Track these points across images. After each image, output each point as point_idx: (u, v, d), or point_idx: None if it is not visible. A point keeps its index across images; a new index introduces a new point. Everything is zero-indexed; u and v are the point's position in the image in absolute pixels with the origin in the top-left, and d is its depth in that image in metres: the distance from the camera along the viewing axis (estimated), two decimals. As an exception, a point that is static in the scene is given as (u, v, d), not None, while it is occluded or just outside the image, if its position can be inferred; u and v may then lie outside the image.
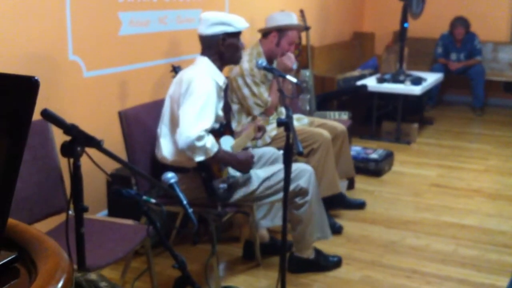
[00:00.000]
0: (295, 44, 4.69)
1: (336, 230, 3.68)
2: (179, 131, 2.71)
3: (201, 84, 2.76)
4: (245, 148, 3.35)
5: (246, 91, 3.53)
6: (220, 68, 2.95)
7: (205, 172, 2.80)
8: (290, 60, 3.59)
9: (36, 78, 0.81)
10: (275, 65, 3.65)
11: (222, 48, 2.89)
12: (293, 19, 3.67)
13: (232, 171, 2.90)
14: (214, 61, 2.91)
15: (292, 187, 2.83)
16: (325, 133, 3.71)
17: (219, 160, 2.80)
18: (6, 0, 2.82)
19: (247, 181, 2.96)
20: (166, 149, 2.85)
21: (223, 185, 2.83)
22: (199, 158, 2.72)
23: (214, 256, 2.93)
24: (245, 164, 2.88)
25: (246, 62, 3.53)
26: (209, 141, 2.72)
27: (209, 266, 3.05)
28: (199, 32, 2.93)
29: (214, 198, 2.84)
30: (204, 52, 2.93)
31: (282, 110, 3.43)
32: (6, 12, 2.83)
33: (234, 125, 3.49)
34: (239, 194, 2.94)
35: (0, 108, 0.83)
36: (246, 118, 3.60)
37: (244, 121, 3.58)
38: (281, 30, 3.61)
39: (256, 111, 3.57)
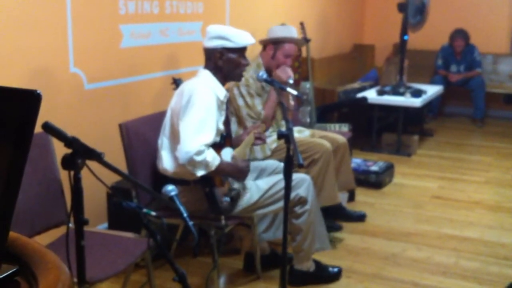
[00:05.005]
0: (295, 56, 4.68)
1: (335, 228, 3.71)
2: (179, 147, 2.70)
3: (201, 97, 2.76)
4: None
5: (240, 101, 3.53)
6: (222, 82, 2.92)
7: (208, 187, 2.79)
8: (285, 73, 3.51)
9: (38, 91, 0.81)
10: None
11: (220, 63, 2.86)
12: (291, 32, 3.65)
13: (234, 184, 2.89)
14: (215, 74, 2.90)
15: (291, 196, 2.82)
16: (326, 144, 3.71)
17: (221, 172, 2.80)
18: (8, 13, 2.84)
19: (249, 193, 2.96)
20: (166, 161, 2.85)
21: (225, 198, 2.83)
22: (200, 172, 2.71)
23: (215, 269, 2.92)
24: (244, 171, 2.88)
25: None
26: (210, 155, 2.72)
27: (210, 279, 3.04)
28: (202, 45, 2.94)
29: (217, 212, 2.84)
30: (206, 65, 2.94)
31: (283, 122, 3.43)
32: (8, 25, 2.84)
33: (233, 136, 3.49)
34: (241, 206, 2.94)
35: (3, 121, 0.83)
36: (240, 129, 3.59)
37: (240, 132, 3.58)
38: (277, 43, 3.60)
39: (248, 122, 3.54)
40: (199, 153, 2.66)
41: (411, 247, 3.73)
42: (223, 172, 2.82)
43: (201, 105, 2.74)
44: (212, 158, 2.72)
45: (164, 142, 2.88)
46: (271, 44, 3.60)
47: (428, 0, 6.27)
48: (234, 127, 3.59)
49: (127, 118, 3.13)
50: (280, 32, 3.62)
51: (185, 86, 2.86)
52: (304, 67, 5.21)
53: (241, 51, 2.89)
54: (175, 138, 2.81)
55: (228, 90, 3.54)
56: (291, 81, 3.51)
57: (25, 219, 2.40)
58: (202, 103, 2.75)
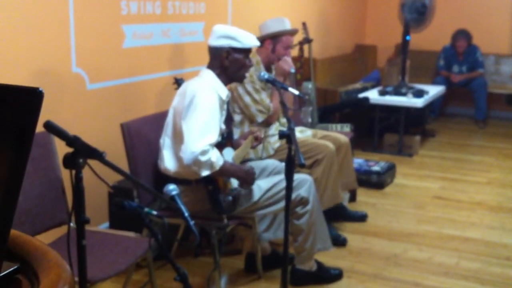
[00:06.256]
0: (298, 57, 4.70)
1: (341, 242, 3.69)
2: (183, 147, 2.70)
3: (204, 98, 2.76)
4: (248, 160, 3.35)
5: (247, 99, 3.53)
6: (225, 82, 2.92)
7: (212, 185, 2.79)
8: (287, 63, 3.59)
9: (40, 89, 0.81)
10: (273, 71, 3.67)
11: (226, 62, 2.87)
12: (286, 24, 3.68)
13: (235, 183, 2.89)
14: (218, 74, 2.90)
15: (292, 196, 2.81)
16: (330, 145, 3.71)
17: (225, 172, 2.80)
18: (11, 13, 2.84)
19: (250, 192, 2.96)
20: (168, 161, 2.85)
21: (228, 198, 2.83)
22: (205, 172, 2.72)
23: (216, 269, 2.93)
24: (250, 173, 2.88)
25: None
26: (214, 155, 2.72)
27: (211, 279, 3.04)
28: (207, 43, 2.94)
29: (219, 211, 2.84)
30: (210, 64, 2.94)
31: (285, 121, 3.43)
32: (10, 25, 2.85)
33: (236, 135, 3.49)
34: (242, 205, 2.94)
35: (5, 119, 0.83)
36: (249, 127, 3.60)
37: (246, 130, 3.58)
38: (275, 37, 3.62)
39: (259, 118, 3.57)
40: (204, 153, 2.67)
41: (412, 248, 3.73)
42: (227, 173, 2.83)
43: (205, 107, 2.74)
44: (216, 158, 2.72)
45: (166, 141, 2.88)
46: (269, 39, 3.62)
47: (430, 1, 6.26)
48: (237, 128, 3.59)
49: (129, 118, 3.14)
50: (275, 27, 3.64)
51: (187, 86, 2.86)
52: (306, 68, 5.21)
53: (247, 52, 2.91)
54: (177, 138, 2.81)
55: (232, 90, 3.56)
56: (292, 71, 3.63)
57: (26, 218, 2.41)
58: (205, 104, 2.75)
